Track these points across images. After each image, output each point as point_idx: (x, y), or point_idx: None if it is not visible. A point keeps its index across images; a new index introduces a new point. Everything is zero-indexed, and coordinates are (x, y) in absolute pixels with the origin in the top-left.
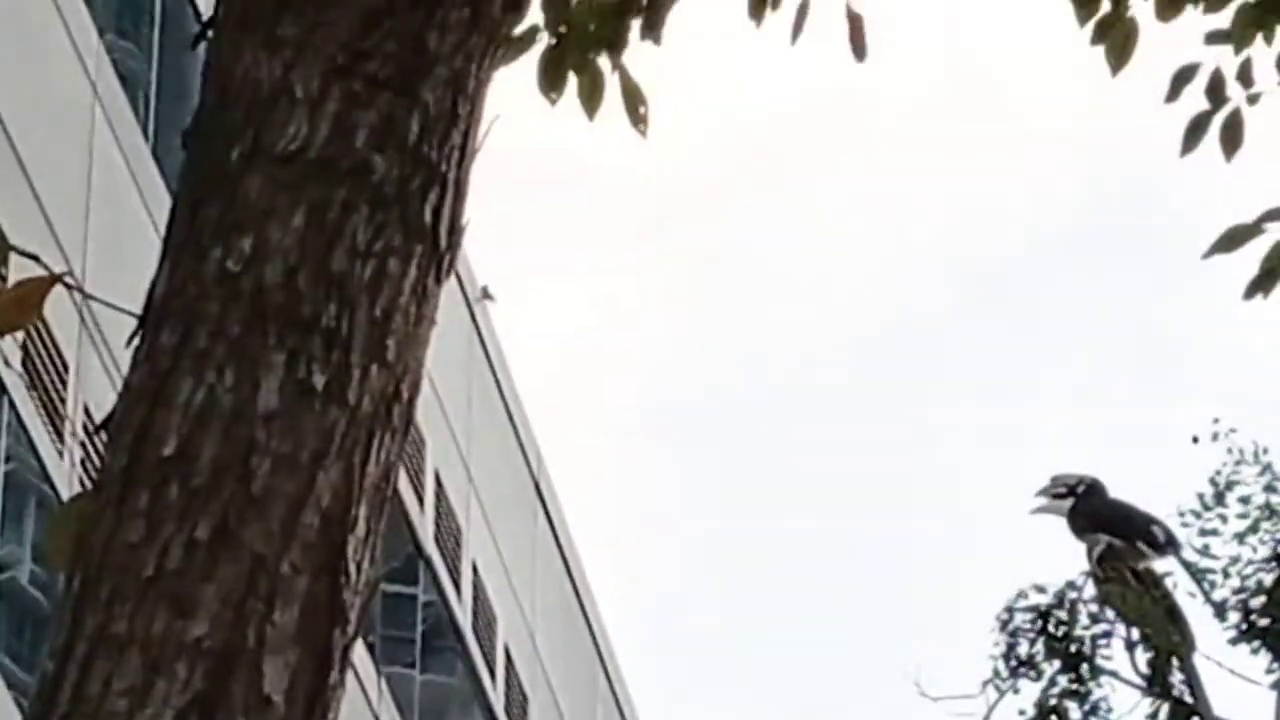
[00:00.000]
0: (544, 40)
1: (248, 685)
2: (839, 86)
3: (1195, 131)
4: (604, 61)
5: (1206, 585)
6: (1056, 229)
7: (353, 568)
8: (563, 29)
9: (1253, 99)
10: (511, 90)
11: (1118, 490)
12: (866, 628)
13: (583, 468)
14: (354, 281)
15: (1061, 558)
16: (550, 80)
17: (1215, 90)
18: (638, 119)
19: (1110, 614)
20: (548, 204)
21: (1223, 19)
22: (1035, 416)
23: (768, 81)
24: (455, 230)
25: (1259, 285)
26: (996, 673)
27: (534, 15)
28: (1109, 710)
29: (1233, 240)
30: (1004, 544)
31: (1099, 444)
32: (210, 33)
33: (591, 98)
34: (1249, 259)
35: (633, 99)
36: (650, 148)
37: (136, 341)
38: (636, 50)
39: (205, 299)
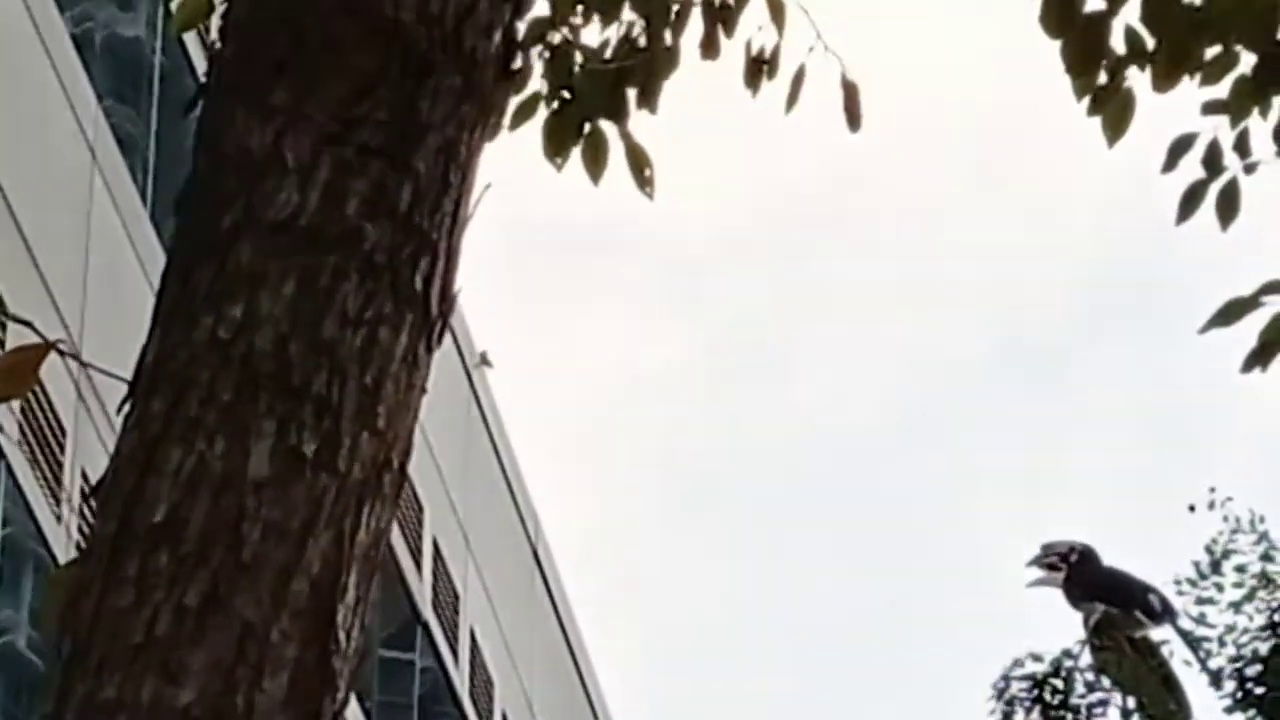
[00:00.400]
0: (546, 107)
1: None
2: (860, 162)
3: (1191, 200)
4: (609, 125)
5: (1202, 654)
6: (1065, 298)
7: (342, 635)
8: (566, 94)
9: (1250, 168)
10: (529, 155)
11: (1118, 559)
12: (866, 697)
13: (583, 535)
14: (345, 349)
15: (1059, 626)
16: (554, 146)
17: (1212, 160)
18: (643, 181)
19: (1106, 682)
20: (564, 267)
21: (1220, 90)
22: (1037, 485)
23: (795, 150)
24: (446, 298)
25: (1257, 359)
26: None
27: (536, 83)
28: None
29: (1229, 314)
30: (1003, 611)
31: (1104, 511)
32: (203, 99)
33: (595, 162)
34: (1248, 331)
35: (637, 161)
36: (673, 214)
37: (127, 408)
38: (658, 113)
39: (196, 366)
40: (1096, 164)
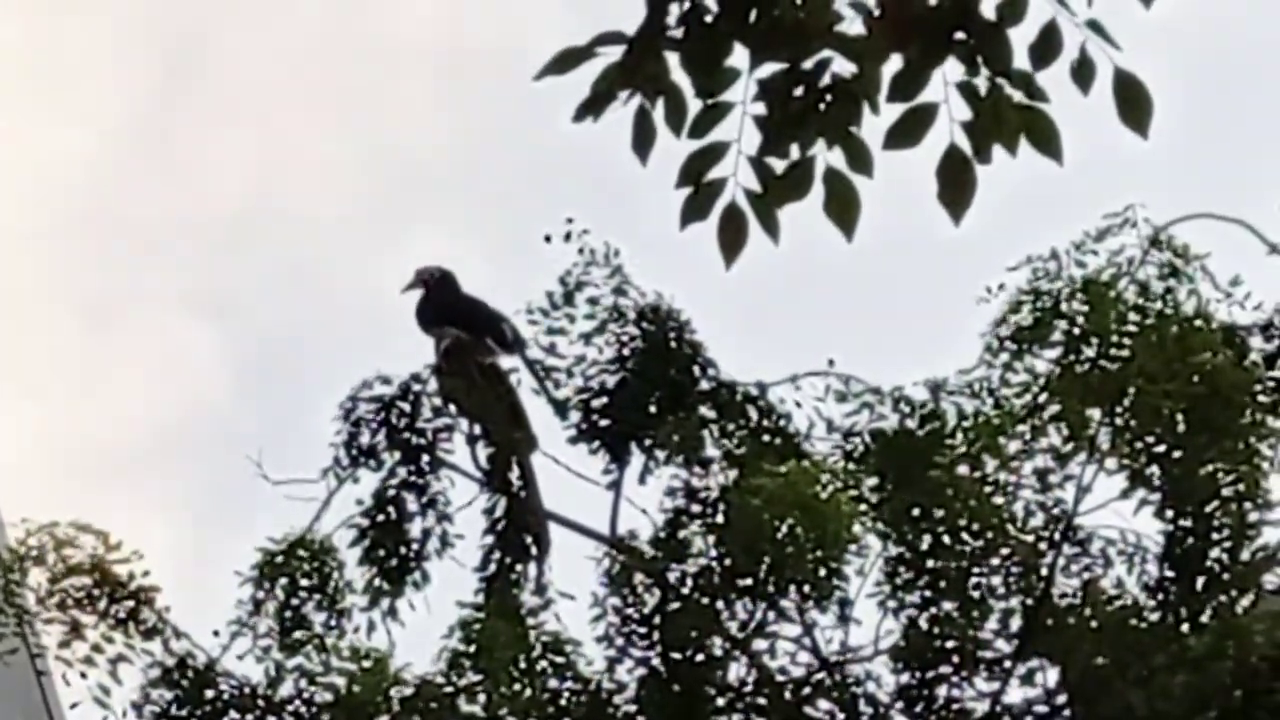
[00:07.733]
0: None
1: None
2: None
3: None
4: None
5: (550, 384)
6: None
7: None
8: None
9: None
10: None
11: (473, 287)
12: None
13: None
14: None
15: (411, 350)
16: None
17: None
18: None
19: (454, 409)
20: None
21: None
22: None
23: None
24: None
25: (589, 109)
26: (337, 461)
27: None
28: (447, 503)
29: (564, 62)
30: (365, 334)
31: (471, 244)
32: None
33: None
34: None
35: None
36: None
37: None
38: None
39: None
40: None
